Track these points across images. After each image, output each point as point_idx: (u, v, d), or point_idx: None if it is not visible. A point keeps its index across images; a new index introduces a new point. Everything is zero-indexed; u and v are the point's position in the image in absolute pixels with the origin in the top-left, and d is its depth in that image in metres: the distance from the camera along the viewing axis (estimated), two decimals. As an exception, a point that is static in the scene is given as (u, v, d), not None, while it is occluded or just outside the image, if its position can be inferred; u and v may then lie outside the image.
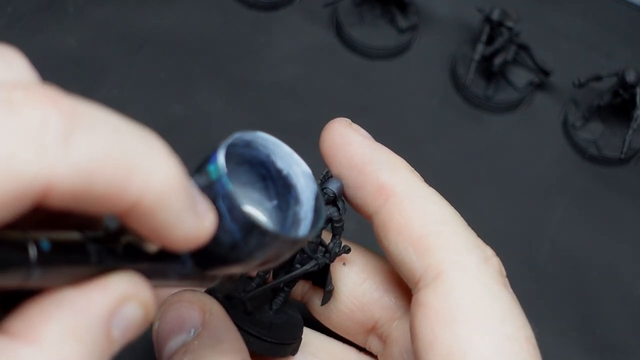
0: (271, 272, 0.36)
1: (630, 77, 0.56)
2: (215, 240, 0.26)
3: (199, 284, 0.29)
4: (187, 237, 0.24)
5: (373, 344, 0.38)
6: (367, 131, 0.35)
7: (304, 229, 0.29)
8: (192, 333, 0.33)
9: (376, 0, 0.60)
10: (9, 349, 0.21)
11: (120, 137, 0.22)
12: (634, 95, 0.56)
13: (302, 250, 0.35)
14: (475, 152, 0.57)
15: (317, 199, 0.30)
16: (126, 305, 0.24)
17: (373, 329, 0.38)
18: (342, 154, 0.34)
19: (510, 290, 0.32)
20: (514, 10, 0.58)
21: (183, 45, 0.58)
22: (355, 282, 0.37)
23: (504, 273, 0.32)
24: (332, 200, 0.35)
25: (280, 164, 0.30)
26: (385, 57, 0.60)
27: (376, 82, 0.59)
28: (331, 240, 0.36)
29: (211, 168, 0.26)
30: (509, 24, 0.57)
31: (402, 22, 0.60)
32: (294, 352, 0.37)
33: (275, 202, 0.30)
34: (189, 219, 0.24)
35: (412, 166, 0.35)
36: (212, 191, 0.26)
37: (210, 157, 0.26)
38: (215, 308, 0.34)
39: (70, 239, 0.23)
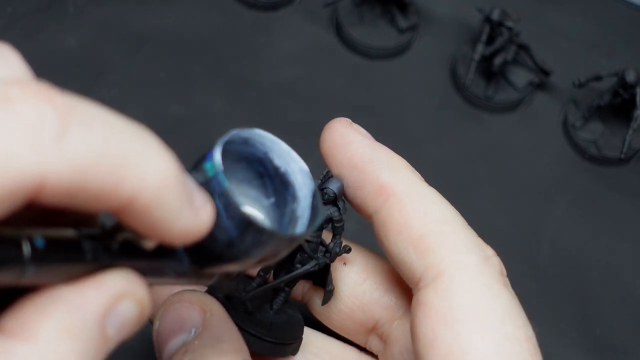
0: (272, 272, 0.36)
1: (630, 77, 0.56)
2: (212, 237, 0.25)
3: (196, 281, 0.29)
4: (185, 231, 0.24)
5: (373, 344, 0.38)
6: (367, 131, 0.35)
7: (301, 226, 0.29)
8: (192, 333, 0.33)
9: (376, 0, 0.60)
10: (4, 347, 0.21)
11: (115, 133, 0.22)
12: (634, 95, 0.56)
13: (303, 250, 0.35)
14: (475, 152, 0.57)
15: (314, 196, 0.30)
16: (121, 303, 0.24)
17: (373, 329, 0.38)
18: (342, 154, 0.34)
19: (511, 289, 0.32)
20: (514, 10, 0.58)
21: (183, 45, 0.58)
22: (355, 282, 0.37)
23: (504, 272, 0.32)
24: (333, 200, 0.34)
25: (278, 161, 0.30)
26: (385, 57, 0.60)
27: (376, 82, 0.59)
28: (332, 240, 0.36)
29: (207, 165, 0.26)
30: (509, 24, 0.57)
31: (402, 22, 0.60)
32: (294, 352, 0.37)
33: (272, 200, 0.30)
34: (186, 213, 0.24)
35: (412, 166, 0.35)
36: (209, 188, 0.25)
37: (206, 154, 0.26)
38: (215, 308, 0.34)
39: (65, 236, 0.23)
